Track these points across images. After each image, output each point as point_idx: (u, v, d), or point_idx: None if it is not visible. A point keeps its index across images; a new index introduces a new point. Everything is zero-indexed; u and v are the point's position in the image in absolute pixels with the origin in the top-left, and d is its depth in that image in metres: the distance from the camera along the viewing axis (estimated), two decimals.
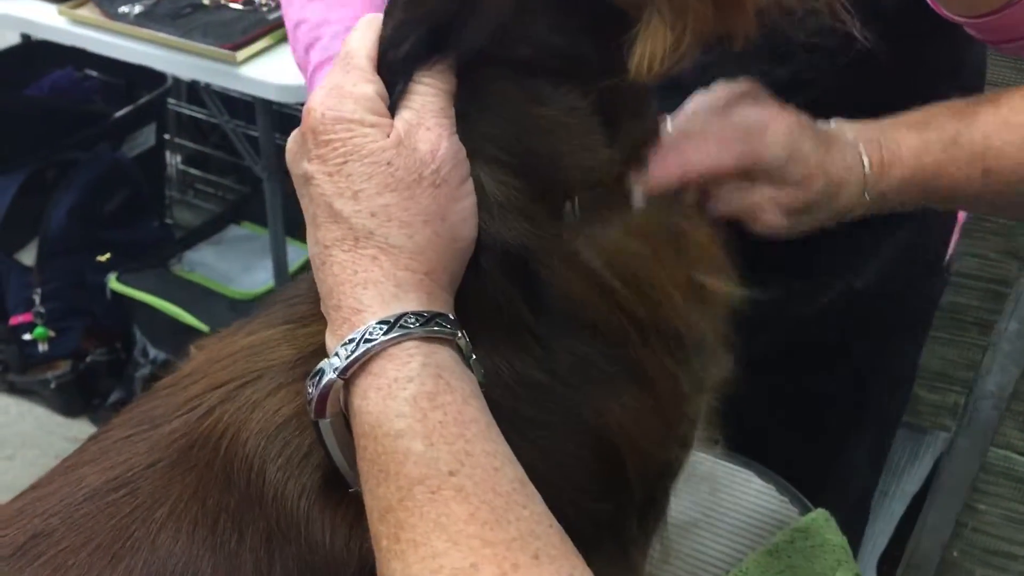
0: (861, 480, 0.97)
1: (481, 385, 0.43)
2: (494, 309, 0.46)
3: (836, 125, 0.62)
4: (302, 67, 0.84)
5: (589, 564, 0.40)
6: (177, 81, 2.30)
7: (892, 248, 0.84)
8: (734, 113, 0.58)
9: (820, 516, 0.76)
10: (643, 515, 0.57)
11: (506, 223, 0.46)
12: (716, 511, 0.79)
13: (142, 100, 2.14)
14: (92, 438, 0.49)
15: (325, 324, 0.44)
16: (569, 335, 0.49)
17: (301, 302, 0.49)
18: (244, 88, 1.56)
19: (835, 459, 0.91)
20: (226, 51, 1.53)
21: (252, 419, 0.45)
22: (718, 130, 0.57)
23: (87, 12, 1.63)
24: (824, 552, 0.73)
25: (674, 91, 0.58)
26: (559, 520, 0.43)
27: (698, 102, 0.59)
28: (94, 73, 2.20)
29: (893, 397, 0.97)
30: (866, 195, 0.60)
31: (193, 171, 2.53)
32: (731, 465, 0.82)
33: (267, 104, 1.62)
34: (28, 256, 2.00)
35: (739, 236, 0.58)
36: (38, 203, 1.97)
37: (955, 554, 1.46)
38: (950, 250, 0.92)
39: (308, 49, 0.82)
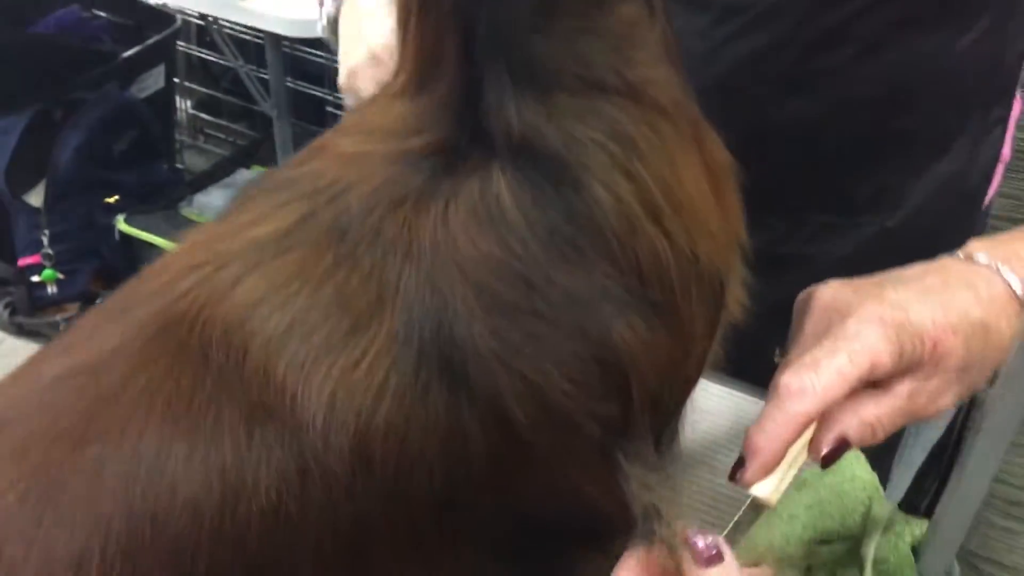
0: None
1: None
2: None
3: (957, 261, 0.56)
4: None
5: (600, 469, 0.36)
6: (186, 23, 2.25)
7: (931, 182, 0.79)
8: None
9: (854, 456, 0.71)
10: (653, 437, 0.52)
11: None
12: (739, 446, 0.74)
13: (151, 40, 2.09)
14: (60, 334, 0.45)
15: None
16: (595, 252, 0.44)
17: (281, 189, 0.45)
18: (251, 22, 1.52)
19: None
20: None
21: (230, 297, 0.42)
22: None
23: None
24: (854, 487, 0.68)
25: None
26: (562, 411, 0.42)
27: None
28: (102, 14, 2.15)
29: None
30: None
31: (204, 116, 2.49)
32: (755, 399, 0.77)
33: (276, 40, 1.57)
34: (36, 197, 1.96)
35: (767, 174, 0.54)
36: (45, 143, 1.94)
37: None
38: (991, 190, 0.86)
39: None
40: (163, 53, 2.15)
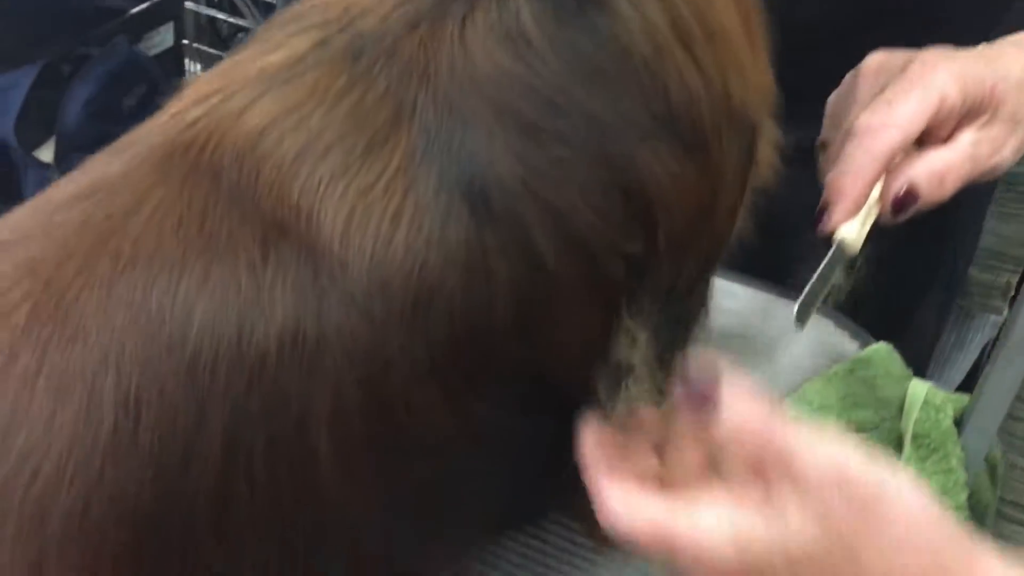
0: (927, 340, 0.92)
1: None
2: None
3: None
4: None
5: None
6: None
7: None
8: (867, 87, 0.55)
9: (883, 348, 0.68)
10: (680, 300, 0.50)
11: None
12: (767, 341, 0.72)
13: None
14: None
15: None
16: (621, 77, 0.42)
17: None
18: None
19: (908, 316, 0.86)
20: None
21: (241, 123, 0.40)
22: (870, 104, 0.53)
23: None
24: (888, 381, 0.66)
25: None
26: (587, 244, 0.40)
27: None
28: None
29: (958, 263, 0.91)
30: None
31: None
32: (783, 299, 0.75)
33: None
34: (47, 153, 1.95)
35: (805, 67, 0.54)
36: (54, 98, 1.92)
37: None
38: None
39: None
40: (171, 10, 2.13)
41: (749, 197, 0.52)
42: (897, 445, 0.57)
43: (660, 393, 0.49)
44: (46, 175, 1.94)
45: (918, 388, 0.58)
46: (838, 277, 0.53)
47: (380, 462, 0.41)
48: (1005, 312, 1.30)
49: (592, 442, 0.41)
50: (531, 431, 0.46)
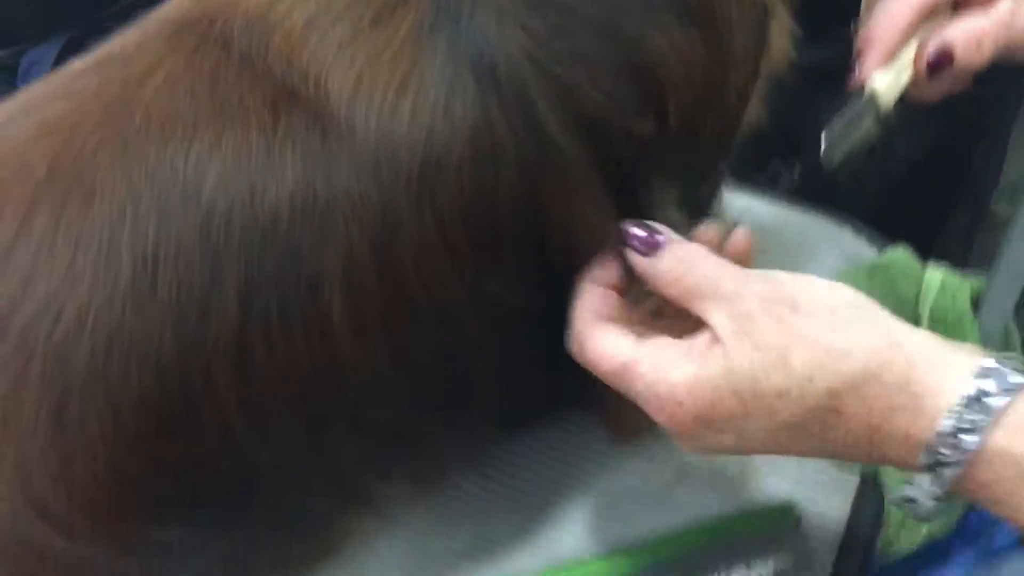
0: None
1: None
2: None
3: None
4: None
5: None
6: None
7: None
8: None
9: (901, 251, 0.68)
10: (693, 185, 0.51)
11: None
12: (789, 250, 0.72)
13: None
14: None
15: None
16: None
17: None
18: None
19: (940, 228, 0.85)
20: None
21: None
22: None
23: None
24: (907, 281, 0.65)
25: None
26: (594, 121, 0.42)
27: None
28: None
29: (987, 171, 0.91)
30: None
31: None
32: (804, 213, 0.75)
33: None
34: None
35: None
36: None
37: None
38: None
39: None
40: None
41: (763, 83, 0.52)
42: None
43: None
44: None
45: (934, 274, 0.58)
46: (869, 127, 0.53)
47: (392, 326, 0.42)
48: None
49: (586, 292, 0.44)
50: (542, 319, 0.47)
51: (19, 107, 0.42)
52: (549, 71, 0.41)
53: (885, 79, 0.52)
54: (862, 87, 0.53)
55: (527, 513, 0.55)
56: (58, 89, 0.42)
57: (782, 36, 0.52)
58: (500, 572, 0.53)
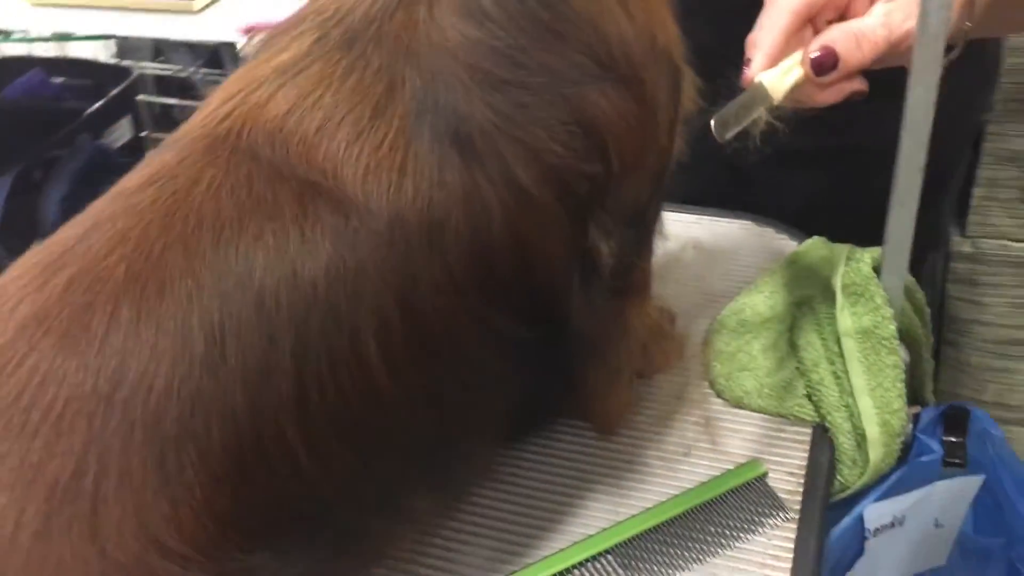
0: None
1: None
2: None
3: None
4: None
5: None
6: (143, 76, 2.35)
7: None
8: None
9: (817, 240, 0.79)
10: (639, 217, 0.61)
11: None
12: (721, 252, 0.83)
13: (113, 92, 2.18)
14: None
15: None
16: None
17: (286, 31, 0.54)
18: (206, 36, 1.60)
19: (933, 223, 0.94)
20: (183, 1, 1.56)
21: (267, 110, 0.50)
22: None
23: None
24: (824, 264, 0.76)
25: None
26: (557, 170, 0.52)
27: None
28: (59, 80, 2.24)
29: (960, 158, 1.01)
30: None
31: None
32: (734, 220, 0.87)
33: (232, 48, 1.67)
34: None
35: None
36: (31, 203, 2.01)
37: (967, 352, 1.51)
38: None
39: None
40: (126, 105, 2.23)
41: (681, 126, 0.63)
42: (832, 295, 0.68)
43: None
44: None
45: (839, 249, 0.69)
46: (759, 115, 0.61)
47: (419, 363, 0.52)
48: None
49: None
50: (538, 343, 0.57)
51: (90, 224, 0.50)
52: (514, 135, 0.51)
53: (773, 75, 0.61)
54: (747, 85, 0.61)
55: (543, 510, 0.65)
56: (120, 205, 0.50)
57: (689, 87, 0.62)
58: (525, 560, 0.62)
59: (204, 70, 1.86)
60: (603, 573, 0.60)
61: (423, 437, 0.55)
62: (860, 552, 0.70)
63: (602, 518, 0.64)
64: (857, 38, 0.60)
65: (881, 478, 0.68)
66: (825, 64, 0.60)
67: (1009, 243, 1.44)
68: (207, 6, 1.58)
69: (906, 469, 0.68)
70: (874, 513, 0.68)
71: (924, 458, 0.68)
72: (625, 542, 0.61)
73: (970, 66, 0.68)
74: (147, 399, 0.45)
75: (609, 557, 0.61)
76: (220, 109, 0.52)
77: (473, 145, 0.51)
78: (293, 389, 0.48)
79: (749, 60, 0.62)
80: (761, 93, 0.61)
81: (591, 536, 0.62)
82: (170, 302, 0.46)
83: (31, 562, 0.42)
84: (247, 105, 0.51)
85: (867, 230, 0.70)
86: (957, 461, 0.69)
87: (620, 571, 0.60)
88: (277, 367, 0.47)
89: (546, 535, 0.63)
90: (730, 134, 0.59)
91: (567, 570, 0.60)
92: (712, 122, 0.59)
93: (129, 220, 0.48)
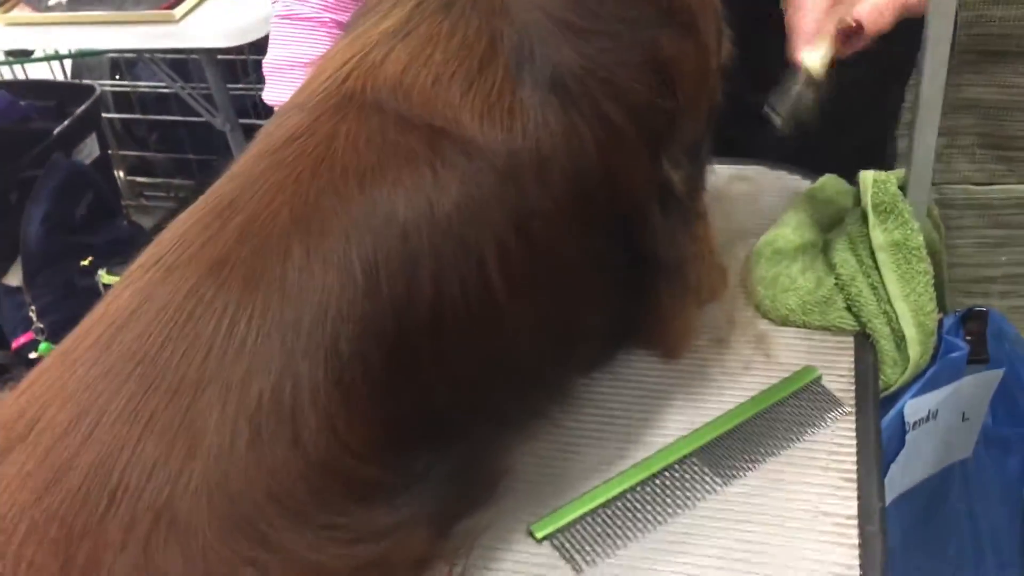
0: None
1: None
2: None
3: None
4: None
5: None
6: (104, 94, 2.36)
7: None
8: None
9: (831, 176, 0.87)
10: (697, 151, 0.69)
11: None
12: (747, 195, 0.91)
13: (79, 111, 2.19)
14: None
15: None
16: None
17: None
18: (189, 44, 1.63)
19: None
20: (164, 12, 1.59)
21: (384, 68, 0.57)
22: None
23: (19, 13, 1.69)
24: (841, 196, 0.84)
25: None
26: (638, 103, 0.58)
27: None
28: (23, 103, 2.24)
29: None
30: None
31: (140, 179, 2.59)
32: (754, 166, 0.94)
33: (212, 55, 1.70)
34: (15, 278, 2.03)
35: None
36: (10, 225, 2.01)
37: None
38: None
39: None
40: (92, 122, 2.25)
41: (721, 71, 0.70)
42: (864, 221, 0.76)
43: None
44: (19, 299, 2.03)
45: (867, 174, 0.77)
46: (807, 95, 0.70)
47: (534, 284, 0.58)
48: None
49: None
50: (626, 264, 0.64)
51: (244, 180, 0.55)
52: (603, 78, 0.58)
53: (814, 55, 0.69)
54: (796, 65, 0.70)
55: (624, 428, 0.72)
56: (266, 164, 0.55)
57: (727, 39, 0.70)
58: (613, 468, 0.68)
59: (180, 83, 1.88)
60: (691, 472, 0.67)
61: (533, 356, 0.61)
62: (901, 445, 0.78)
63: (682, 428, 0.70)
64: (880, 11, 0.70)
65: (917, 376, 0.76)
66: (854, 34, 0.70)
67: (971, 187, 1.54)
68: (187, 14, 1.61)
69: (937, 366, 0.76)
70: (913, 408, 0.76)
71: (953, 355, 0.76)
72: (706, 445, 0.68)
73: None
74: (324, 324, 0.50)
75: (694, 459, 0.68)
76: (338, 73, 0.57)
77: (568, 88, 0.57)
78: (430, 311, 0.54)
79: (789, 39, 0.70)
80: (806, 75, 0.69)
81: (675, 440, 0.69)
82: (331, 239, 0.52)
83: (249, 467, 0.47)
84: (364, 66, 0.57)
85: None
86: (982, 357, 0.77)
87: (706, 469, 0.67)
88: (418, 292, 0.53)
89: (633, 447, 0.70)
90: (790, 124, 0.68)
91: (659, 472, 0.67)
92: (774, 120, 0.68)
93: (281, 172, 0.54)
